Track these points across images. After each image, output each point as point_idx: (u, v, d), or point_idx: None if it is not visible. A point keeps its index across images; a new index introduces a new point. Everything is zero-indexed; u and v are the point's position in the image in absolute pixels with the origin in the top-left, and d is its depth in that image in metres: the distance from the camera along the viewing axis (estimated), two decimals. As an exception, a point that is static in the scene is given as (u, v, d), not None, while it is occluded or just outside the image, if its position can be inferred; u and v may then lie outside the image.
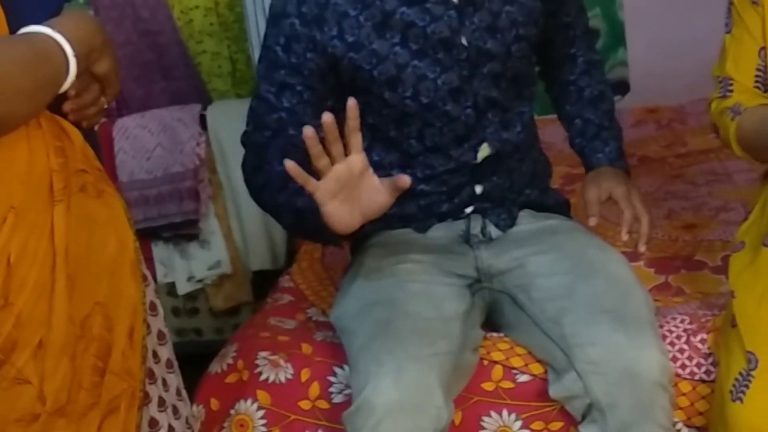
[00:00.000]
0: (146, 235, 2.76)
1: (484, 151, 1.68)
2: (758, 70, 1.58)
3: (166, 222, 2.77)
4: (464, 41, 1.61)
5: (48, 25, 1.16)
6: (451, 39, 1.60)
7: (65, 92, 1.20)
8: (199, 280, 2.86)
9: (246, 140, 1.65)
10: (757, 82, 1.59)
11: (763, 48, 1.57)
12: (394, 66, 1.60)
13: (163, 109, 2.90)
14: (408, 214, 1.72)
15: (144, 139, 2.83)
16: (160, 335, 1.41)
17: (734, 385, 1.44)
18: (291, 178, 1.37)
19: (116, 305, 1.22)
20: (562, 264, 1.62)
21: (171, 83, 2.98)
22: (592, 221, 1.70)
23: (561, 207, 1.82)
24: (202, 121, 2.83)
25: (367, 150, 1.68)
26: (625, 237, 1.70)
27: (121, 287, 1.24)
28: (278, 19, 1.60)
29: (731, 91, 1.60)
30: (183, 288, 2.87)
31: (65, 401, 1.15)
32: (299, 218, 1.50)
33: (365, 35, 1.59)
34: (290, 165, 1.34)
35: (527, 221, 1.74)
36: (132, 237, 1.28)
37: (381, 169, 1.67)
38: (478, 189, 1.70)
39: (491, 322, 1.71)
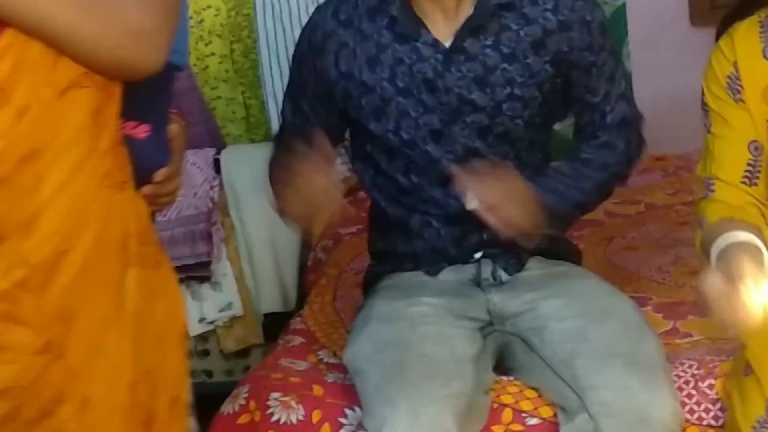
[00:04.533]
0: (158, 277, 2.78)
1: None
2: (748, 164, 1.58)
3: (179, 264, 2.78)
4: (447, 86, 1.64)
5: None
6: (434, 81, 1.64)
7: (149, 176, 1.31)
8: (210, 322, 2.87)
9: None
10: (745, 176, 1.58)
11: (753, 141, 1.57)
12: (379, 98, 1.66)
13: (178, 153, 2.94)
14: (417, 252, 1.74)
15: (158, 182, 2.87)
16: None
17: (751, 433, 1.44)
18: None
19: (161, 374, 1.23)
20: (574, 308, 1.63)
21: (186, 128, 3.01)
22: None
23: (572, 255, 1.83)
24: (216, 165, 2.87)
25: (373, 178, 1.75)
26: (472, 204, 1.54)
27: (168, 357, 1.25)
28: (298, 44, 1.76)
29: (712, 191, 1.59)
30: (194, 329, 2.88)
31: None
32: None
33: (357, 67, 1.66)
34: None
35: (538, 266, 1.75)
36: (182, 310, 1.30)
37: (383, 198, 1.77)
38: (486, 235, 1.70)
39: (501, 366, 1.72)
